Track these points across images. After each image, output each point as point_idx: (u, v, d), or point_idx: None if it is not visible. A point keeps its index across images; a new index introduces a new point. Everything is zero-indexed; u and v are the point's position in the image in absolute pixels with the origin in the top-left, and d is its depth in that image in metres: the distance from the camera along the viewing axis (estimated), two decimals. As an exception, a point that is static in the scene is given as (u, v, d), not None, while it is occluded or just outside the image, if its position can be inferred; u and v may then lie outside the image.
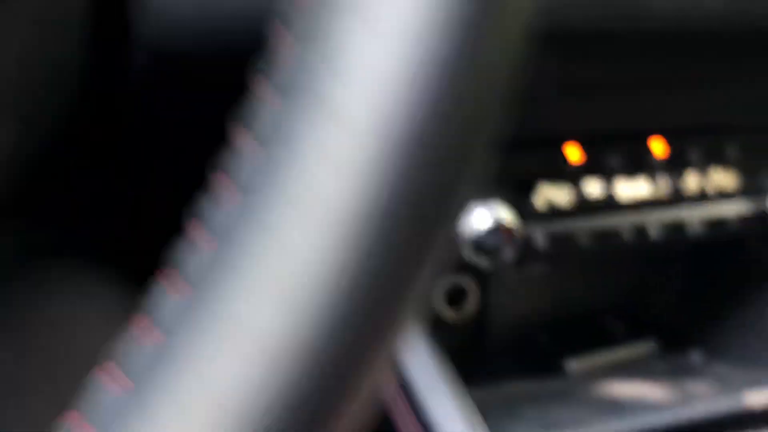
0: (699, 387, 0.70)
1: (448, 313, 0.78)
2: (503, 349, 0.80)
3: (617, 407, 0.67)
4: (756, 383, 0.68)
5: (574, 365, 0.75)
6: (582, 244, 0.64)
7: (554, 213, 0.63)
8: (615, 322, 0.82)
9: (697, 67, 0.66)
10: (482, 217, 0.60)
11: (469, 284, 0.79)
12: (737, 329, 0.78)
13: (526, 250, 0.63)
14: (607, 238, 0.65)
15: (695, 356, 0.78)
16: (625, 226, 0.65)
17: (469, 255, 0.61)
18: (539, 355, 0.78)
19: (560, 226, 0.64)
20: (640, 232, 0.66)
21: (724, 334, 0.79)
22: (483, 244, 0.59)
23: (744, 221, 0.68)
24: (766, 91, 0.67)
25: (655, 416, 0.63)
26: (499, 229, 0.59)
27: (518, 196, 0.62)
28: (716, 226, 0.68)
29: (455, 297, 0.79)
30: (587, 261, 0.82)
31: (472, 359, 0.79)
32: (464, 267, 0.78)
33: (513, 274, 0.81)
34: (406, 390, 0.58)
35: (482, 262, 0.60)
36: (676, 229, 0.67)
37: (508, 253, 0.61)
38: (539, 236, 0.63)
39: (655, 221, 0.66)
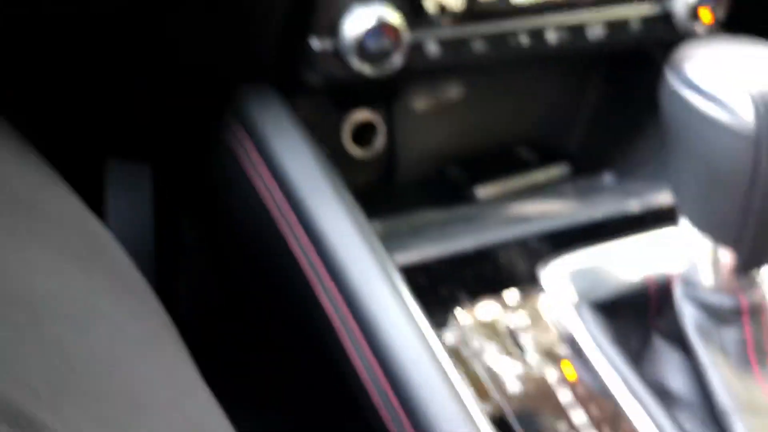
0: (602, 199, 0.69)
1: (357, 151, 0.76)
2: (414, 183, 0.78)
3: (521, 220, 0.66)
4: (659, 192, 0.68)
5: (485, 191, 0.74)
6: (476, 50, 0.61)
7: (446, 17, 0.60)
8: (528, 151, 0.80)
9: None
10: (364, 17, 0.56)
11: (377, 120, 0.76)
12: (648, 149, 0.77)
13: (416, 57, 0.59)
14: (503, 42, 0.62)
15: (607, 177, 0.77)
16: (522, 29, 0.62)
17: (356, 63, 0.57)
18: (450, 186, 0.77)
19: (453, 32, 0.60)
20: (538, 35, 0.63)
21: (636, 154, 0.78)
22: (367, 47, 0.56)
23: (646, 23, 0.66)
24: None
25: (552, 222, 0.63)
26: (382, 29, 0.56)
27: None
28: (618, 28, 0.65)
29: (363, 134, 0.76)
30: (496, 91, 0.79)
31: (383, 194, 0.77)
32: (371, 101, 0.75)
33: (421, 108, 0.78)
34: (288, 195, 0.56)
35: (368, 69, 0.57)
36: (576, 32, 0.64)
37: (396, 59, 0.58)
38: (430, 42, 0.60)
39: (553, 24, 0.63)
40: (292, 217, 0.56)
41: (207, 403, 0.41)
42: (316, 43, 0.57)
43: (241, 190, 0.62)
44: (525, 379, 0.52)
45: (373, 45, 0.56)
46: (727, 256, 0.50)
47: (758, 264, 0.50)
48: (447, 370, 0.49)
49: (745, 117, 0.44)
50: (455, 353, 0.54)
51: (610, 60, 0.79)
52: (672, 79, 0.47)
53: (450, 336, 0.55)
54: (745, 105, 0.44)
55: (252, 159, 0.60)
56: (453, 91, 0.76)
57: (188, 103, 0.67)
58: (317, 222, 0.55)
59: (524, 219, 0.66)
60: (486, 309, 0.56)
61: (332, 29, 0.57)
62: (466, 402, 0.47)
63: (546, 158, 0.78)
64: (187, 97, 0.66)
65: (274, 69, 0.62)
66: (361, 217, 0.56)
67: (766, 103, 0.44)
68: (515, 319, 0.55)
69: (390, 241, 0.62)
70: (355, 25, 0.56)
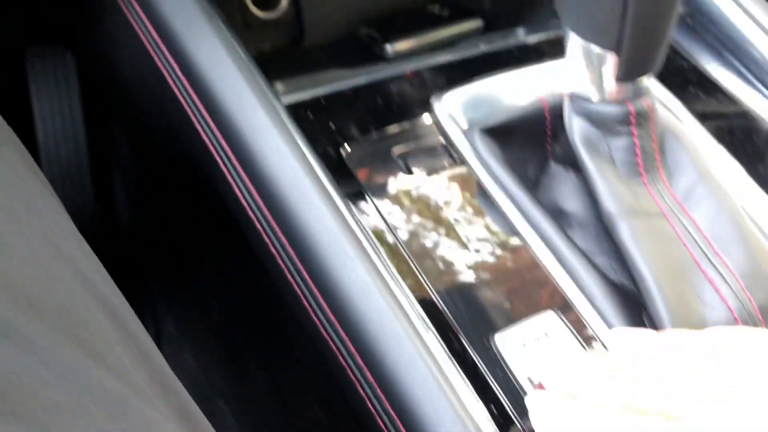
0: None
1: (260, 13, 0.73)
2: (324, 45, 0.76)
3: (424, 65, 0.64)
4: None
5: (395, 48, 0.72)
6: None
7: None
8: (440, 8, 0.78)
9: None
10: None
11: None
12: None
13: None
14: None
15: (520, 32, 0.75)
16: None
17: None
18: (361, 46, 0.75)
19: None
20: None
21: (548, 8, 0.76)
22: None
23: None
24: None
25: (448, 55, 0.61)
26: None
27: None
28: None
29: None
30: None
31: (292, 58, 0.75)
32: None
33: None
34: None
35: None
36: None
37: None
38: None
39: None
40: (170, 58, 0.54)
41: (66, 225, 0.40)
42: None
43: (127, 42, 0.60)
44: (417, 208, 0.52)
45: None
46: (611, 65, 0.49)
47: (642, 70, 0.49)
48: (333, 197, 0.49)
49: None
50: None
51: None
52: None
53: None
54: None
55: (131, 3, 0.57)
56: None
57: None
58: (191, 57, 0.53)
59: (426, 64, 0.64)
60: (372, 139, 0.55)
61: None
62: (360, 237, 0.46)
63: (459, 14, 0.76)
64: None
65: None
66: (241, 51, 0.54)
67: None
68: (405, 146, 0.54)
69: (291, 87, 0.61)
70: None
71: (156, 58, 0.56)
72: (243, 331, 0.89)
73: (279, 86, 0.66)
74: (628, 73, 0.49)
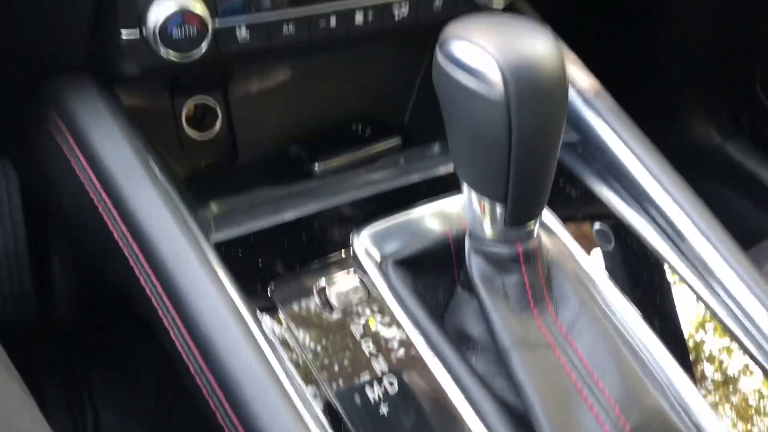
0: (424, 165, 0.75)
1: (196, 134, 0.78)
2: (256, 162, 0.81)
3: (346, 190, 0.71)
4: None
5: (322, 166, 0.77)
6: (287, 33, 0.65)
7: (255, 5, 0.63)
8: (364, 127, 0.85)
9: None
10: (166, 6, 0.58)
11: (215, 104, 0.79)
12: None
13: (227, 42, 0.63)
14: (313, 24, 0.65)
15: (436, 147, 0.82)
16: (331, 11, 0.66)
17: (163, 51, 0.60)
18: (291, 163, 0.80)
19: (263, 17, 0.64)
20: (346, 17, 0.67)
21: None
22: (171, 35, 0.59)
23: (448, 4, 0.71)
24: None
25: (366, 191, 0.68)
26: (184, 17, 0.58)
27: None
28: (422, 5, 0.70)
29: (204, 117, 0.79)
30: (332, 71, 0.83)
31: (226, 175, 0.80)
32: (206, 87, 0.78)
33: (257, 90, 0.81)
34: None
35: (174, 56, 0.60)
36: (383, 12, 0.68)
37: (204, 46, 0.61)
38: (241, 28, 0.63)
39: (361, 5, 0.67)
40: (109, 202, 0.59)
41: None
42: (124, 33, 0.60)
43: (67, 179, 0.64)
44: (336, 341, 0.57)
45: (176, 33, 0.59)
46: (500, 212, 0.55)
47: (527, 218, 0.55)
48: (256, 337, 0.53)
49: (496, 86, 0.50)
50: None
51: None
52: (438, 56, 0.52)
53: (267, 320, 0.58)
54: (496, 75, 0.49)
55: (71, 148, 0.62)
56: (286, 74, 0.80)
57: (10, 93, 0.68)
58: (131, 206, 0.58)
59: (352, 188, 0.70)
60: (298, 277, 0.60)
61: (139, 19, 0.60)
62: (280, 377, 0.51)
63: (380, 133, 0.83)
64: (8, 87, 0.67)
65: (92, 59, 0.64)
66: (175, 197, 0.59)
67: (511, 72, 0.49)
68: (326, 281, 0.59)
69: (222, 220, 0.66)
70: (157, 14, 0.59)
71: (96, 201, 0.60)
72: (176, 424, 0.92)
73: (213, 206, 0.71)
74: (515, 220, 0.55)
